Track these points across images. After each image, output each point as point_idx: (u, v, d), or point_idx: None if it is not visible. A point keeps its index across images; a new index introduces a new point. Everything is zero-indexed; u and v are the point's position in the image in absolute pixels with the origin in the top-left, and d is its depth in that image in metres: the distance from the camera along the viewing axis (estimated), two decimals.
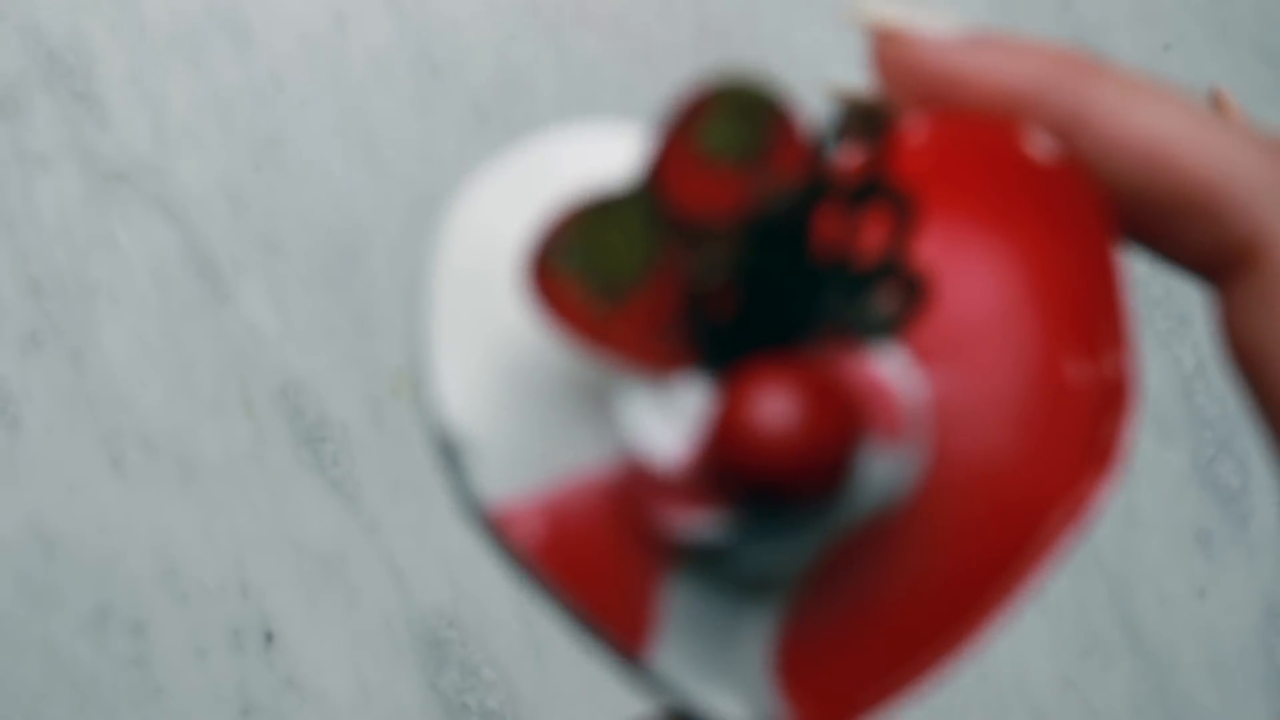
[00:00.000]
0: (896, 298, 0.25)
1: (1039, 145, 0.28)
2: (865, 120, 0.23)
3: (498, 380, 0.26)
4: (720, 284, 0.24)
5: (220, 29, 0.66)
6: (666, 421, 0.25)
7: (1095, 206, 0.27)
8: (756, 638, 0.26)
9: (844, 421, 0.23)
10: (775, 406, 0.23)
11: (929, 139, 0.28)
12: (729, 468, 0.23)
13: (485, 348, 0.26)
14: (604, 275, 0.24)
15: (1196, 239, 0.28)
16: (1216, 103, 0.31)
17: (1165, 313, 0.62)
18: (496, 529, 0.26)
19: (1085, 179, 0.28)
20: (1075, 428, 0.27)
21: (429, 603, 0.58)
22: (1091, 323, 0.27)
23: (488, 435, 0.26)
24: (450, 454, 0.26)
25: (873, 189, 0.24)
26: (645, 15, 0.67)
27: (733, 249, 0.24)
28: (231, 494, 0.62)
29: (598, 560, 0.26)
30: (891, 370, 0.25)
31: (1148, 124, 0.28)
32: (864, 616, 0.26)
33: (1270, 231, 0.27)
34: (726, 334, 0.24)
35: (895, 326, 0.25)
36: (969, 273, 0.27)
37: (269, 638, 0.62)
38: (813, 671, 0.26)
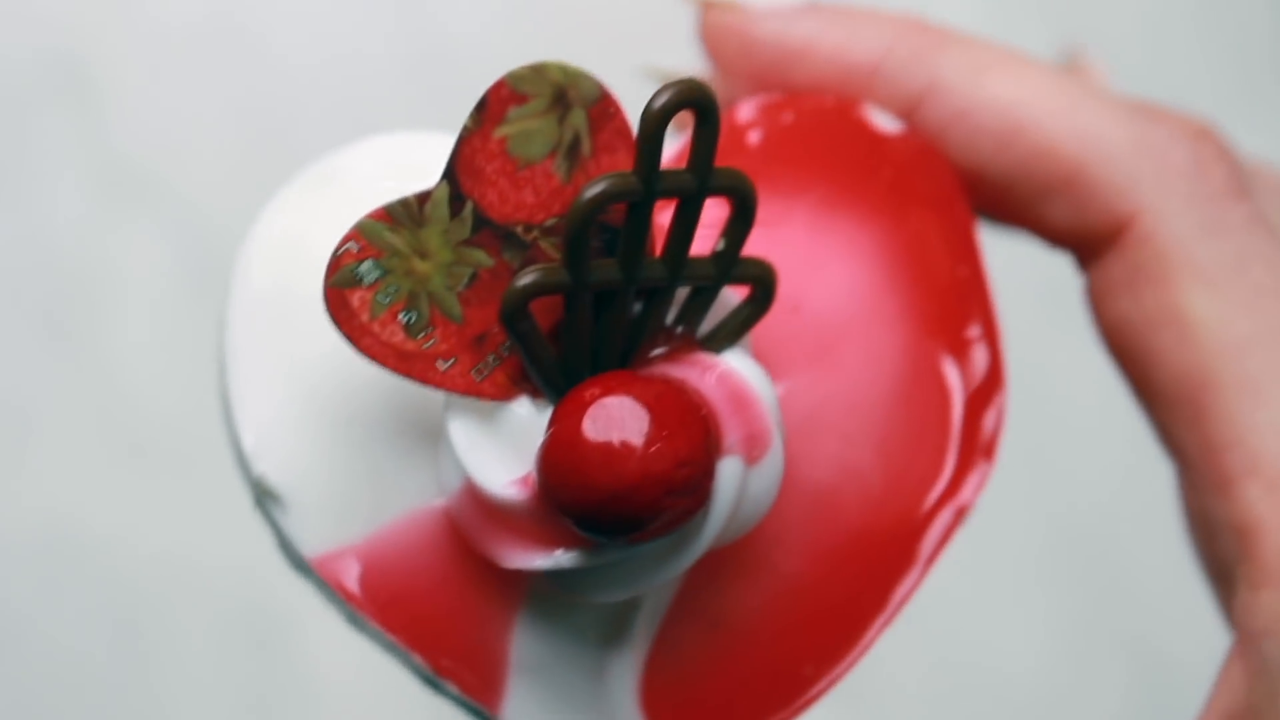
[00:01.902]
0: (743, 299, 0.23)
1: (883, 120, 0.26)
2: (693, 106, 0.21)
3: (314, 418, 0.24)
4: (544, 296, 0.21)
5: (227, 29, 0.64)
6: (501, 450, 0.22)
7: (952, 180, 0.26)
8: (624, 674, 0.24)
9: (693, 435, 0.21)
10: (609, 423, 0.21)
11: (764, 121, 0.26)
12: (563, 495, 0.21)
13: (297, 381, 0.24)
14: (411, 294, 0.22)
15: (1058, 217, 0.26)
16: (1074, 64, 0.29)
17: None
18: (326, 583, 0.24)
19: (937, 151, 0.26)
20: (949, 424, 0.25)
21: None
22: (958, 309, 0.25)
23: (305, 484, 0.23)
24: (264, 507, 0.24)
25: (707, 183, 0.21)
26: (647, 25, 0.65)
27: (555, 256, 0.22)
28: (242, 495, 0.60)
29: (438, 609, 0.24)
30: (746, 377, 0.22)
31: (1000, 94, 0.26)
32: (729, 644, 0.24)
33: (1133, 208, 0.25)
34: (558, 351, 0.22)
35: (742, 330, 0.23)
36: (824, 264, 0.25)
37: (281, 634, 0.60)
38: (681, 709, 0.24)
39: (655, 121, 0.21)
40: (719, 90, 0.25)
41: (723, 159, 0.22)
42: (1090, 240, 0.26)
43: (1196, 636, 0.66)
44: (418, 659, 0.23)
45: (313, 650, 0.60)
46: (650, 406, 0.21)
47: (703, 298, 0.23)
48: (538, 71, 0.21)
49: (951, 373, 0.25)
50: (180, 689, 0.60)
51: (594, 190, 0.21)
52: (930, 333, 0.25)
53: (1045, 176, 0.26)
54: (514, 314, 0.21)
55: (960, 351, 0.25)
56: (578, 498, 0.21)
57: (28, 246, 0.61)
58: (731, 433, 0.22)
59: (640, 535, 0.21)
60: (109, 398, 0.61)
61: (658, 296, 0.22)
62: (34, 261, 0.61)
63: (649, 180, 0.21)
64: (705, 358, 0.23)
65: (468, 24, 0.65)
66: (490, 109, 0.21)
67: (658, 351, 0.23)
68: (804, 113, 0.26)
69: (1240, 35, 0.70)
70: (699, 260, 0.22)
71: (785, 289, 0.24)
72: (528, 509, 0.22)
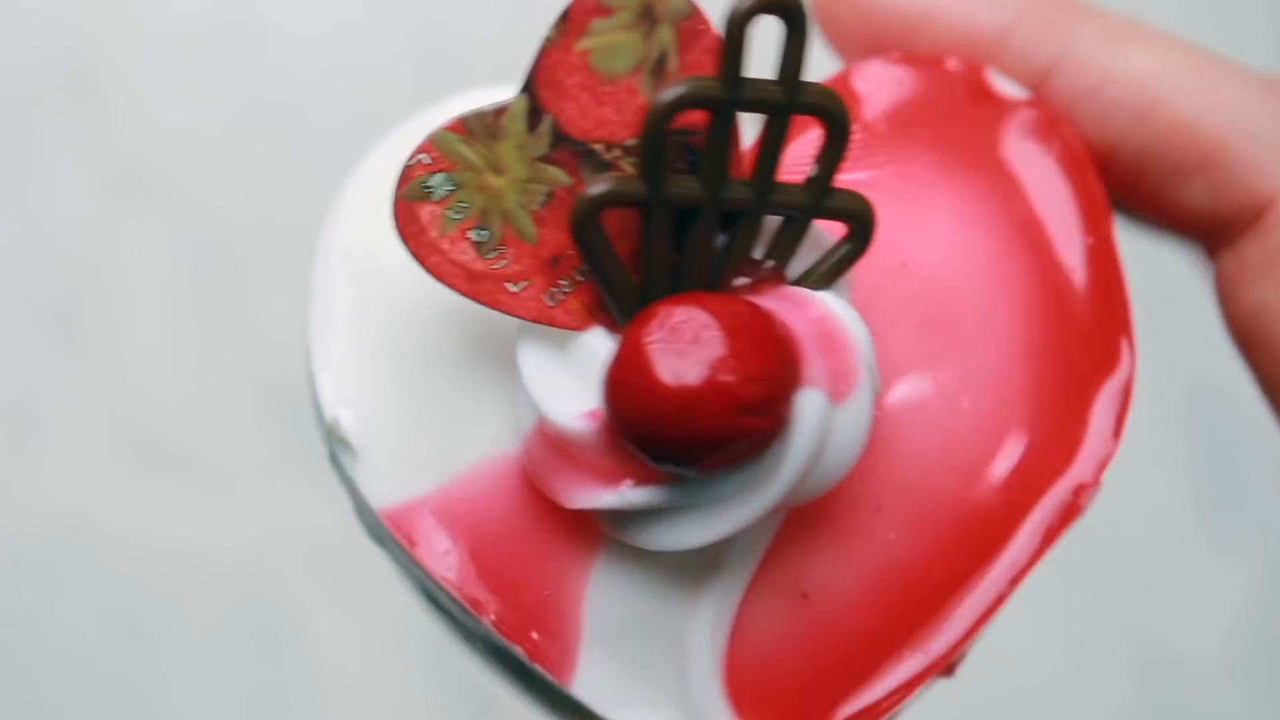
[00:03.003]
0: (839, 238, 0.21)
1: (1009, 86, 0.24)
2: (780, 10, 0.20)
3: (390, 364, 0.23)
4: (619, 207, 0.20)
5: (235, 24, 0.65)
6: (572, 382, 0.21)
7: (1080, 149, 0.24)
8: (706, 643, 0.22)
9: (767, 353, 0.20)
10: (676, 332, 0.19)
11: (884, 85, 0.24)
12: (626, 410, 0.20)
13: (375, 328, 0.23)
14: (483, 211, 0.21)
15: (1193, 197, 0.24)
16: None
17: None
18: (396, 539, 0.22)
19: (1067, 120, 0.24)
20: (1071, 403, 0.23)
21: None
22: (1088, 282, 0.23)
23: (380, 434, 0.22)
24: (337, 458, 0.23)
25: (795, 96, 0.20)
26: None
27: (633, 171, 0.21)
28: (248, 492, 0.60)
29: (509, 569, 0.22)
30: (837, 314, 0.21)
31: (1135, 69, 0.24)
32: (821, 617, 0.22)
33: (1275, 189, 0.23)
34: (639, 281, 0.21)
35: (838, 271, 0.21)
36: (938, 226, 0.23)
37: (287, 632, 0.59)
38: (766, 685, 0.22)
39: (739, 23, 0.20)
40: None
41: None
42: (1225, 222, 0.24)
43: (1198, 627, 0.61)
44: (488, 619, 0.22)
45: (319, 648, 0.59)
46: (722, 320, 0.20)
47: (793, 229, 0.21)
48: None
49: (1083, 354, 0.23)
50: (186, 687, 0.59)
51: (673, 92, 0.20)
52: (1061, 307, 0.23)
53: (1182, 153, 0.24)
54: (585, 224, 0.20)
55: (1093, 332, 0.23)
56: (641, 413, 0.20)
57: (36, 243, 0.62)
58: (815, 365, 0.20)
59: (710, 463, 0.20)
60: (117, 396, 0.60)
61: (744, 223, 0.21)
62: (42, 258, 0.62)
63: (732, 86, 0.20)
64: (799, 293, 0.21)
65: (478, 16, 0.65)
66: (573, 20, 0.21)
67: (743, 282, 0.21)
68: (925, 77, 0.24)
69: (1236, 36, 0.67)
70: (789, 186, 0.21)
71: (893, 246, 0.22)
72: (596, 442, 0.20)
